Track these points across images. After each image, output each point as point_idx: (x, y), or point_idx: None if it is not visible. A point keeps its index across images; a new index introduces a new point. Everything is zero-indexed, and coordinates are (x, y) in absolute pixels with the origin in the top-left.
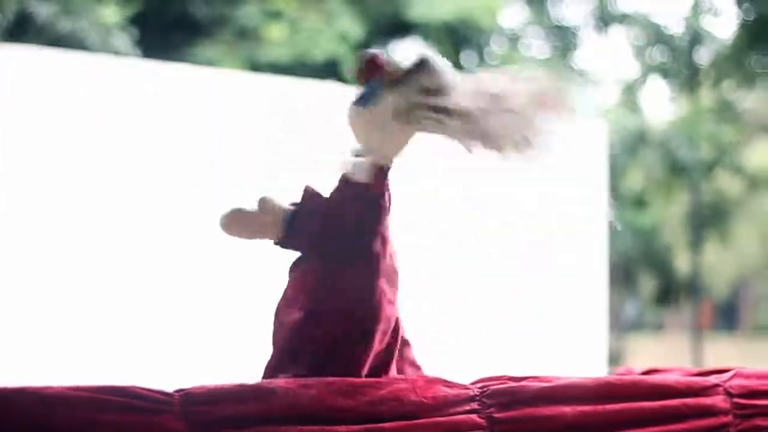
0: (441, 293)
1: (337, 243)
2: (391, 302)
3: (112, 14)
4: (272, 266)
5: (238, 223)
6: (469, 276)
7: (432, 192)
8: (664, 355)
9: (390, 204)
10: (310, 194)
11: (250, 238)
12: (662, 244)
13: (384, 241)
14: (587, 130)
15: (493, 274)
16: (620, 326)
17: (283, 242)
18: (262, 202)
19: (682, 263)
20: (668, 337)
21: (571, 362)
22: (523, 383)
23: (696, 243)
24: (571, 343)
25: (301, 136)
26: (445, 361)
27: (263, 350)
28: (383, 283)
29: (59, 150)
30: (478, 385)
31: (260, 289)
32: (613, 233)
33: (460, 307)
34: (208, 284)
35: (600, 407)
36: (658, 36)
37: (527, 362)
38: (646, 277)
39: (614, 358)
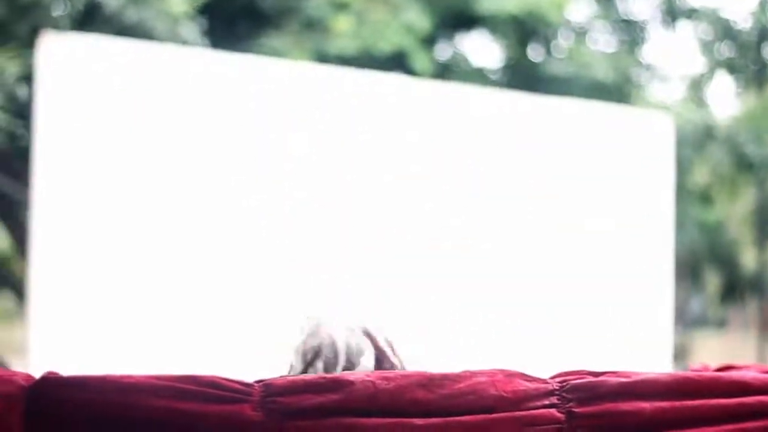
0: (507, 290)
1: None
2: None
3: (180, 4)
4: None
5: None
6: (536, 273)
7: (500, 190)
8: (728, 351)
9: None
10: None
11: None
12: (728, 240)
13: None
14: (654, 125)
15: (560, 270)
16: (685, 322)
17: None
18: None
19: (747, 260)
20: (731, 334)
21: (637, 357)
22: (602, 378)
23: (762, 240)
24: (637, 338)
25: (367, 127)
26: (514, 356)
27: None
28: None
29: (127, 139)
30: (557, 379)
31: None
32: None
33: (527, 303)
34: (285, 280)
35: (678, 403)
36: (725, 31)
37: (594, 357)
38: (712, 273)
39: (678, 354)
